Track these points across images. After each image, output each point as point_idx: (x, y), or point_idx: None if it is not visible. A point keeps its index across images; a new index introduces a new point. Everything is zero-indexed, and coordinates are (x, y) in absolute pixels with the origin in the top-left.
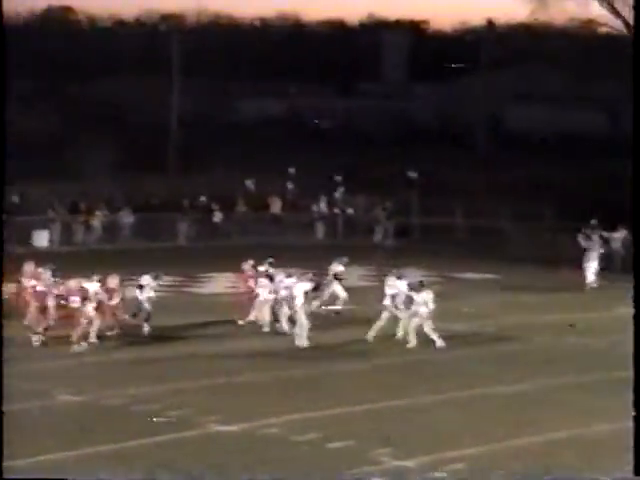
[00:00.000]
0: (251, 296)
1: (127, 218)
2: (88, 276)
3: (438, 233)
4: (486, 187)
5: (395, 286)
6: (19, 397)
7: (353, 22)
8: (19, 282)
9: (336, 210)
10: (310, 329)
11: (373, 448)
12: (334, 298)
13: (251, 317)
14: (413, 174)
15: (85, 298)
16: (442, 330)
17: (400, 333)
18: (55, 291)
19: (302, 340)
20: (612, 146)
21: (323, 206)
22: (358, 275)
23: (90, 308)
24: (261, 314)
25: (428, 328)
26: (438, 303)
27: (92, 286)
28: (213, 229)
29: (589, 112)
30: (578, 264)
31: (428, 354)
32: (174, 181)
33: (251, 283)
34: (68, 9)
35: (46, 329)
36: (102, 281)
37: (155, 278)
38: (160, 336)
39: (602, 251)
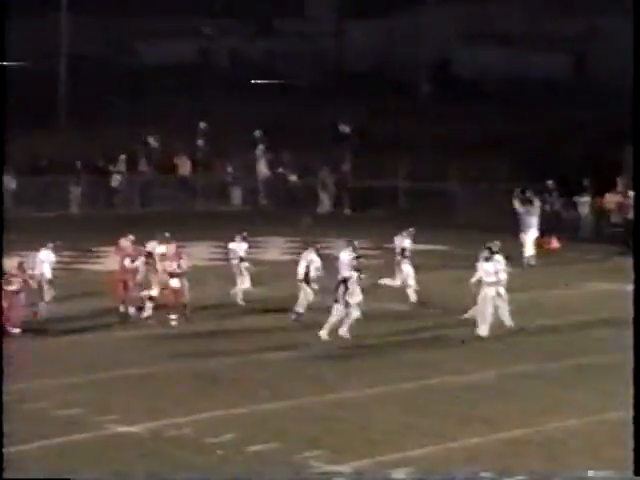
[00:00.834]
0: (125, 278)
1: (9, 183)
2: None
3: (376, 197)
4: (431, 143)
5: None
6: None
7: None
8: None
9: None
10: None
11: (300, 451)
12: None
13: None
14: (345, 127)
15: None
16: (379, 311)
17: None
18: None
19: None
20: (577, 93)
21: (263, 167)
22: (281, 248)
23: None
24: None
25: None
26: (375, 280)
27: None
28: (111, 194)
29: (550, 54)
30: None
31: (362, 340)
32: (64, 139)
33: (127, 262)
34: None
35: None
36: None
37: (53, 250)
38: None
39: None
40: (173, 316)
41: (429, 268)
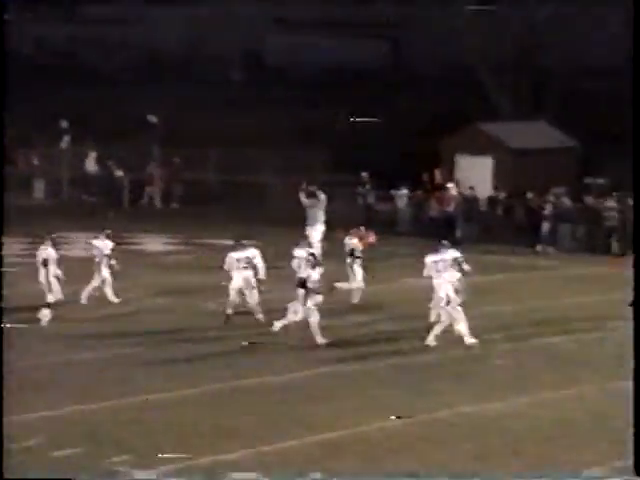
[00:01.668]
0: None
1: None
2: None
3: (186, 190)
4: (242, 133)
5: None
6: None
7: None
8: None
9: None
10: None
11: (108, 455)
12: None
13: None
14: (153, 118)
15: None
16: (192, 310)
17: None
18: None
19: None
20: (396, 81)
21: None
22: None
23: None
24: None
25: None
26: (186, 276)
27: None
28: None
29: (364, 41)
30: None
31: (171, 339)
32: None
33: None
34: None
35: None
36: None
37: None
38: None
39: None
40: None
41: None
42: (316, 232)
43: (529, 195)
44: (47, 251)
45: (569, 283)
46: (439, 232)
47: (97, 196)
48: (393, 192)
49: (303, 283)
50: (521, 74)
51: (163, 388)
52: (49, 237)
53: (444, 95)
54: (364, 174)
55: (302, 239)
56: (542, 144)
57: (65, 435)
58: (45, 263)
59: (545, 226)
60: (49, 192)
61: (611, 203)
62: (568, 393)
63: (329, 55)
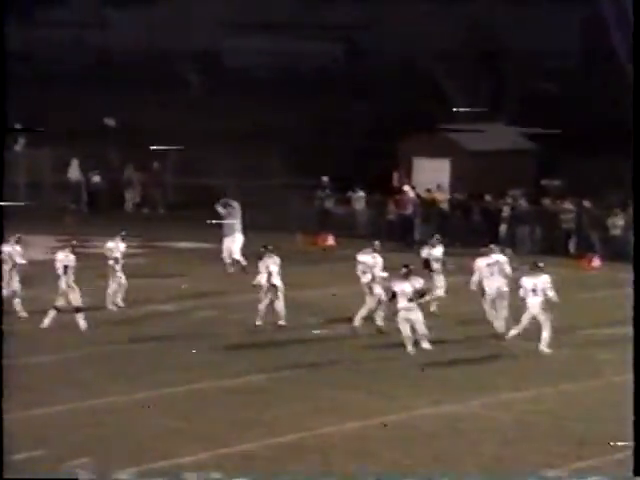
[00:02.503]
0: None
1: None
2: None
3: (144, 191)
4: (199, 136)
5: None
6: None
7: None
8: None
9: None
10: None
11: (66, 459)
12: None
13: None
14: (110, 121)
15: None
16: (150, 312)
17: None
18: None
19: None
20: (352, 83)
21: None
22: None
23: None
24: None
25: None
26: (141, 278)
27: None
28: None
29: (320, 42)
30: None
31: (131, 343)
32: None
33: None
34: None
35: None
36: None
37: None
38: None
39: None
40: None
41: (204, 265)
42: (235, 243)
43: (487, 197)
44: (68, 257)
45: None
46: (397, 234)
47: (79, 203)
48: (350, 194)
49: (394, 293)
50: (479, 77)
51: (114, 390)
52: (69, 244)
53: (401, 98)
54: (324, 178)
55: (368, 245)
56: (499, 146)
57: (22, 439)
58: (66, 269)
59: (503, 228)
60: (7, 195)
61: (568, 205)
62: (524, 395)
63: (286, 57)
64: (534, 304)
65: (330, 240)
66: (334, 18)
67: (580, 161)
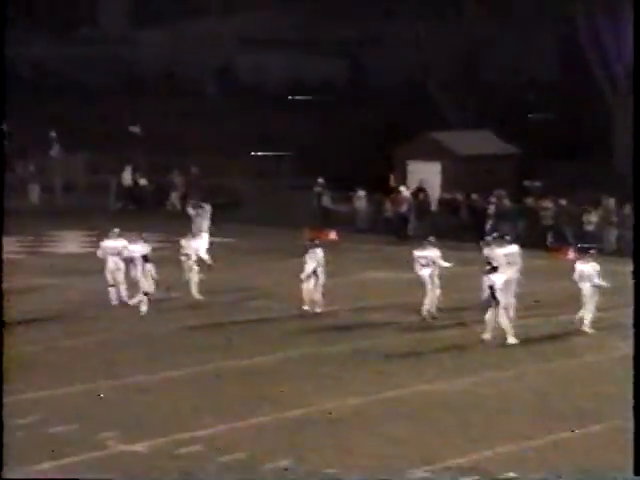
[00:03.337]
0: None
1: None
2: None
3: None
4: (216, 142)
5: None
6: None
7: None
8: None
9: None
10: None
11: (97, 432)
12: None
13: None
14: (136, 128)
15: None
16: (173, 299)
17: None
18: None
19: None
20: (355, 94)
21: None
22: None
23: None
24: None
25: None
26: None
27: None
28: None
29: (326, 58)
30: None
31: (148, 327)
32: None
33: None
34: None
35: None
36: None
37: None
38: None
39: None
40: None
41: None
42: (202, 240)
43: (474, 196)
44: (145, 247)
45: None
46: (393, 230)
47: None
48: (352, 194)
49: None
50: (467, 88)
51: (142, 370)
52: (141, 235)
53: (397, 107)
54: (320, 180)
55: (425, 242)
56: (486, 151)
57: (57, 414)
58: (146, 258)
59: (488, 224)
60: (43, 196)
61: (547, 204)
62: (509, 374)
63: (293, 71)
64: (586, 288)
65: (333, 235)
66: (339, 36)
67: (558, 165)
